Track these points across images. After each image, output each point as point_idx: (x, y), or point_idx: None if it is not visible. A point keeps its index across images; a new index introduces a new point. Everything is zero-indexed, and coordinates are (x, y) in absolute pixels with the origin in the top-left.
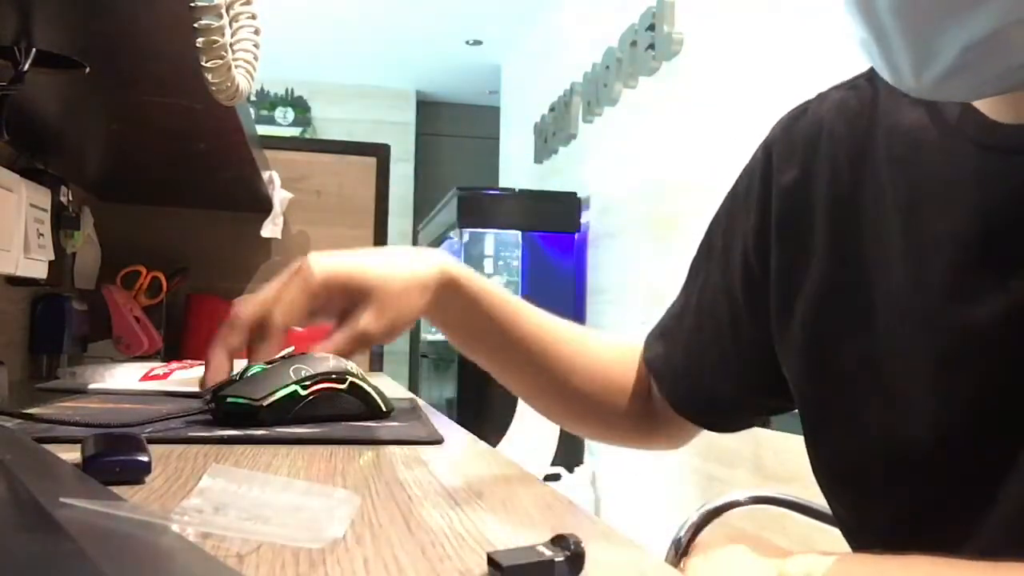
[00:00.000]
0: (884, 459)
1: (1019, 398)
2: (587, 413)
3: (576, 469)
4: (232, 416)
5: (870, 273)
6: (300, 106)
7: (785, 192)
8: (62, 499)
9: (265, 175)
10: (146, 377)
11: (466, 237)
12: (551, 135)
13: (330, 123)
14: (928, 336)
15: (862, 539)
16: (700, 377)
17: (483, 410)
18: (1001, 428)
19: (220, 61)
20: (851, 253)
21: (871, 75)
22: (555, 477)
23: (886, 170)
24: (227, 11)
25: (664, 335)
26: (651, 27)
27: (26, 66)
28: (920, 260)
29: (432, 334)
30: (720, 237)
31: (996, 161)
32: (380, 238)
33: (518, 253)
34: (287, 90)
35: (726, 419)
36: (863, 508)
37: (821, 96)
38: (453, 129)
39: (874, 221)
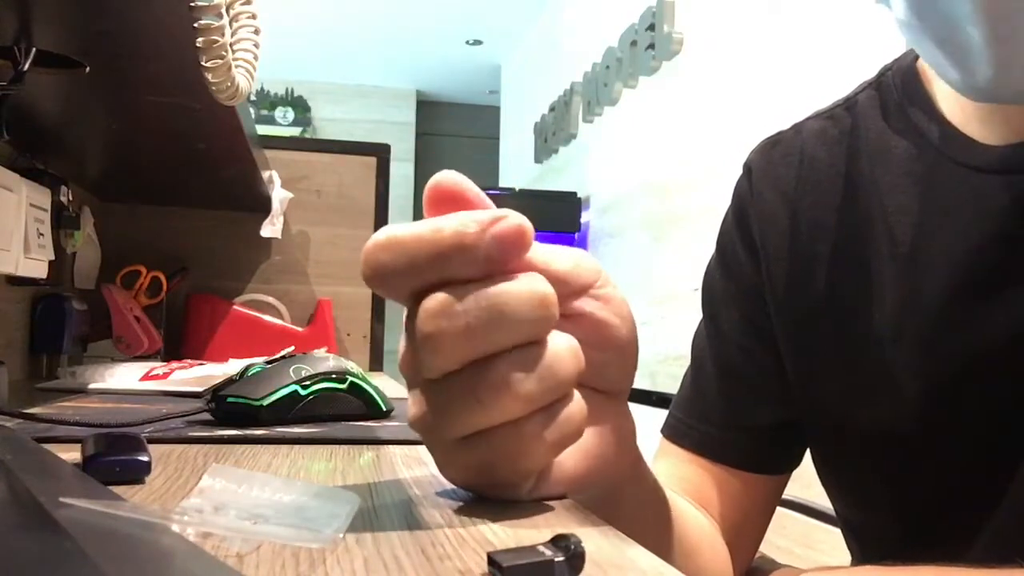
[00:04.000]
0: (882, 471)
1: (1018, 420)
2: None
3: None
4: (232, 416)
5: (861, 298)
6: (300, 106)
7: (767, 215)
8: (62, 499)
9: (265, 175)
10: (146, 377)
11: None
12: (551, 135)
13: (330, 123)
14: (923, 360)
15: (868, 543)
16: (749, 424)
17: None
18: (1000, 447)
19: (220, 61)
20: (840, 278)
21: (849, 104)
22: None
23: (874, 196)
24: (227, 11)
25: (700, 417)
26: (651, 27)
27: (26, 66)
28: (914, 284)
29: None
30: (718, 304)
31: (981, 182)
32: None
33: None
34: (287, 90)
35: (787, 452)
36: (868, 515)
37: (797, 126)
38: (453, 129)
39: (864, 246)
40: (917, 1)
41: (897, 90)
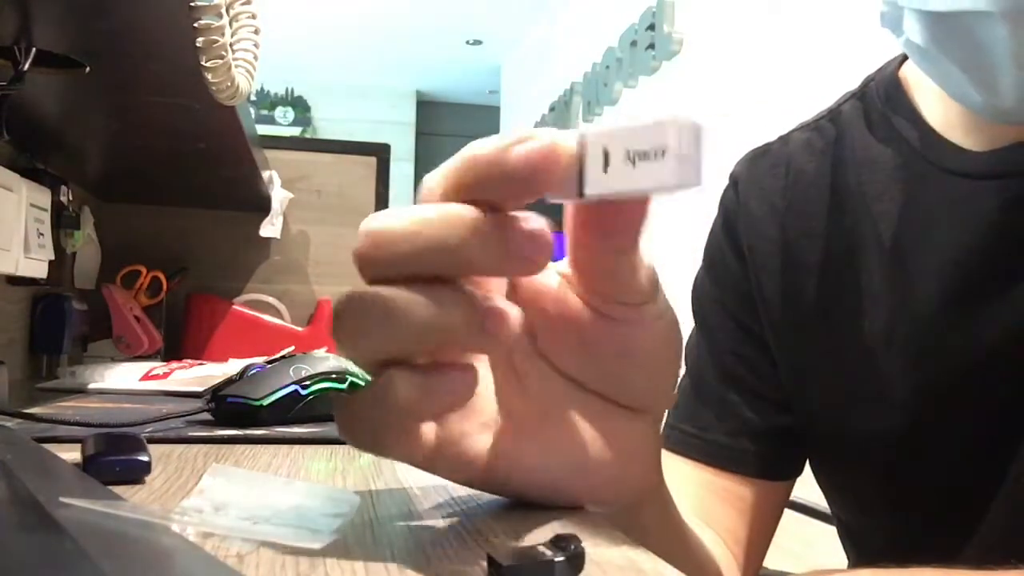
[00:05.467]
0: (876, 473)
1: (1014, 423)
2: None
3: None
4: (232, 416)
5: (851, 305)
6: (300, 106)
7: (755, 226)
8: (62, 499)
9: (265, 175)
10: (146, 377)
11: None
12: None
13: (330, 123)
14: (915, 364)
15: (863, 545)
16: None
17: None
18: (993, 449)
19: (220, 61)
20: (829, 287)
21: (833, 115)
22: None
23: (861, 205)
24: (227, 11)
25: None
26: (651, 27)
27: (26, 66)
28: (905, 289)
29: None
30: (711, 316)
31: (967, 187)
32: None
33: None
34: (287, 90)
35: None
36: (863, 517)
37: (783, 138)
38: (453, 129)
39: (853, 254)
40: (941, 30)
41: (881, 100)
